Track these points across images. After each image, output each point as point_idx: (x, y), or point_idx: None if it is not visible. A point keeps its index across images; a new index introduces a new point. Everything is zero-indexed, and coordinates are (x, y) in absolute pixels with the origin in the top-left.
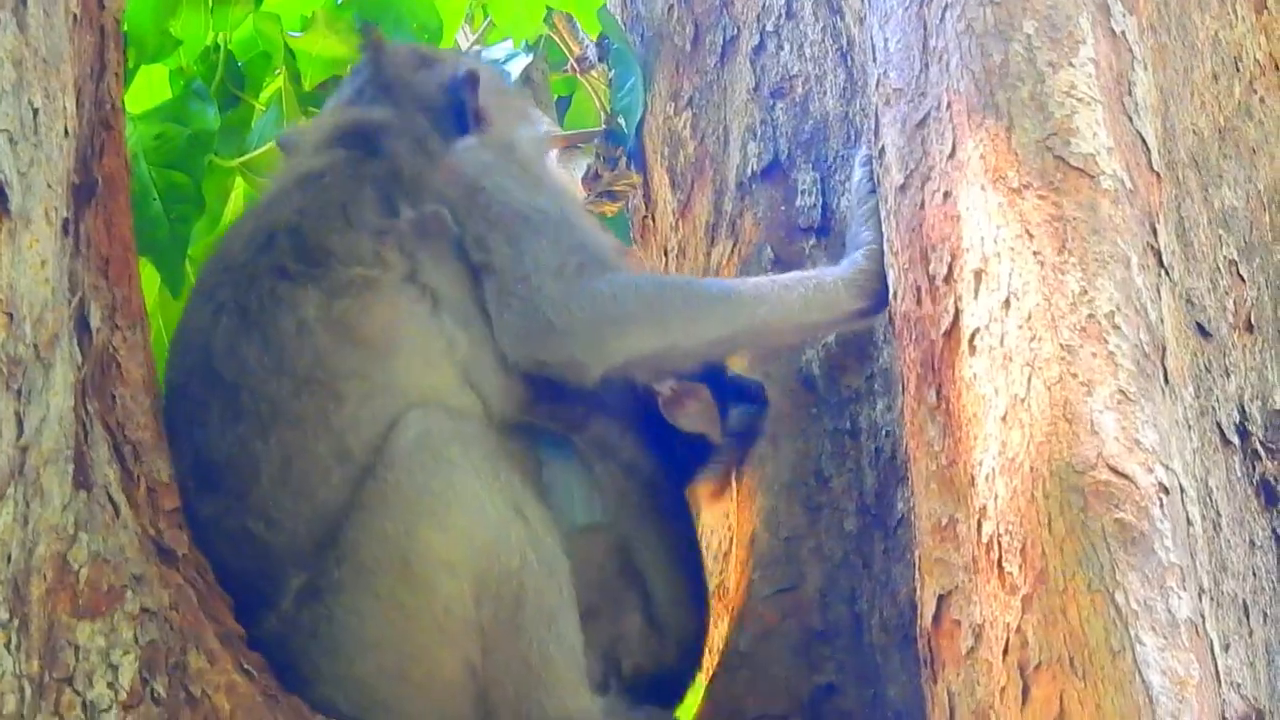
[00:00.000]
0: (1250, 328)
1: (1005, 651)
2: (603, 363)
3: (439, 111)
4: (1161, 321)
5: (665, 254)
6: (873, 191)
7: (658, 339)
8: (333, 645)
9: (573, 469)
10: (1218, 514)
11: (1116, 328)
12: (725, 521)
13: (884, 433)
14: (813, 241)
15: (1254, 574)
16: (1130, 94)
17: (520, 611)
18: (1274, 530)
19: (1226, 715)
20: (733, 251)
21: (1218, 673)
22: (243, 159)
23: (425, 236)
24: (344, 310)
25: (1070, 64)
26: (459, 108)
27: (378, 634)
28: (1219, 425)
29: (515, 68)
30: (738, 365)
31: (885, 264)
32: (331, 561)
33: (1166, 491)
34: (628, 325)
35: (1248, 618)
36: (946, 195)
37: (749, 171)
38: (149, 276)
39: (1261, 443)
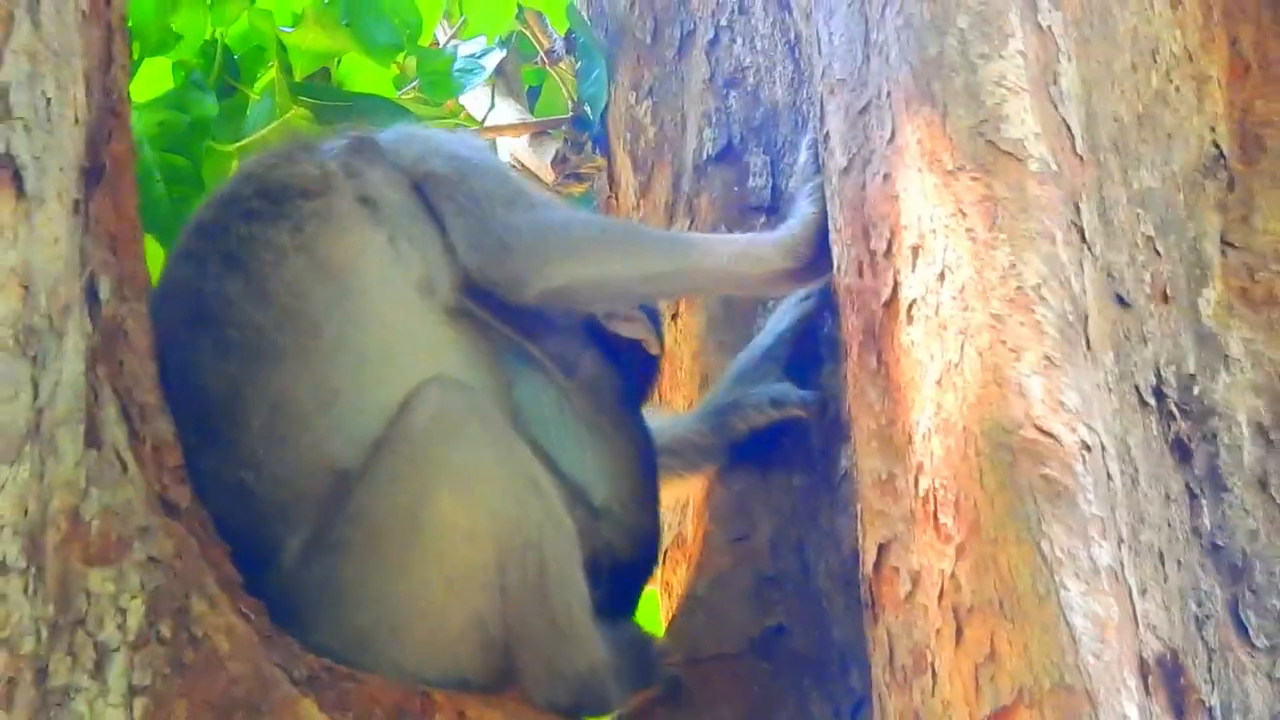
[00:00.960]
0: (1166, 299)
1: (940, 596)
2: (542, 281)
3: None
4: (1084, 293)
5: None
6: (817, 172)
7: (597, 266)
8: (334, 602)
9: (543, 390)
10: (1136, 470)
11: (1043, 299)
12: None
13: (829, 395)
14: (763, 220)
15: (1169, 525)
16: (1056, 84)
17: (544, 578)
18: (1187, 485)
19: (1144, 655)
20: (690, 229)
21: (1136, 616)
22: (239, 144)
23: (360, 152)
24: (311, 238)
25: (1000, 56)
26: None
27: (385, 593)
28: (1137, 388)
29: (490, 62)
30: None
31: (827, 236)
32: (339, 524)
33: (1089, 449)
34: (571, 249)
35: (1163, 565)
36: (886, 177)
37: (704, 155)
38: (152, 252)
39: (1176, 404)
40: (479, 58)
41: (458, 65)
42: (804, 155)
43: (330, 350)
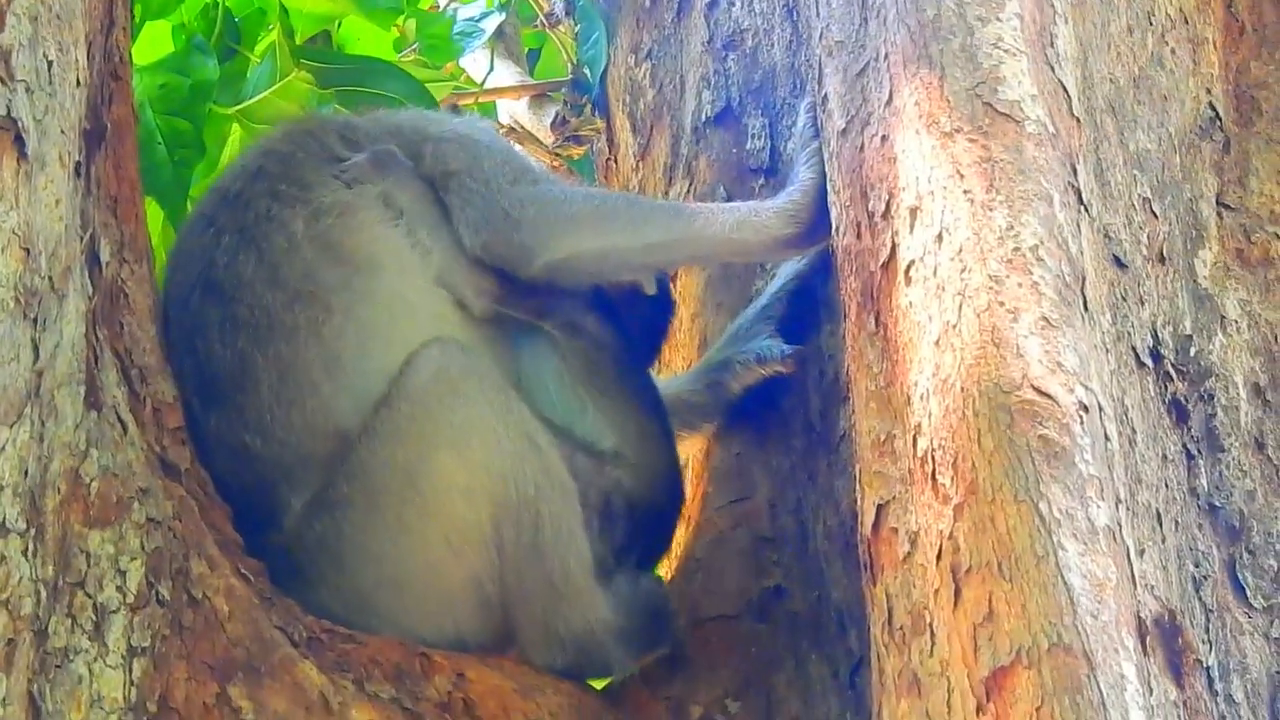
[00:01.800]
0: (1162, 260)
1: (939, 557)
2: (547, 253)
3: None
4: (1081, 254)
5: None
6: (815, 136)
7: (600, 238)
8: (335, 561)
9: (544, 353)
10: (1133, 430)
11: (1040, 260)
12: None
13: (827, 356)
14: (761, 181)
15: (1166, 485)
16: (1052, 45)
17: (539, 535)
18: (1184, 445)
19: (1141, 615)
20: (688, 191)
21: (1133, 576)
22: (239, 107)
23: (383, 166)
24: (327, 228)
25: (997, 18)
26: None
27: (385, 551)
28: (1134, 349)
29: (489, 25)
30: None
31: (828, 201)
32: (340, 482)
33: (1086, 410)
34: (574, 222)
35: (1160, 526)
36: (884, 139)
37: (703, 117)
38: (153, 214)
39: (1173, 365)
40: (478, 21)
41: (457, 28)
42: (802, 119)
43: (339, 325)
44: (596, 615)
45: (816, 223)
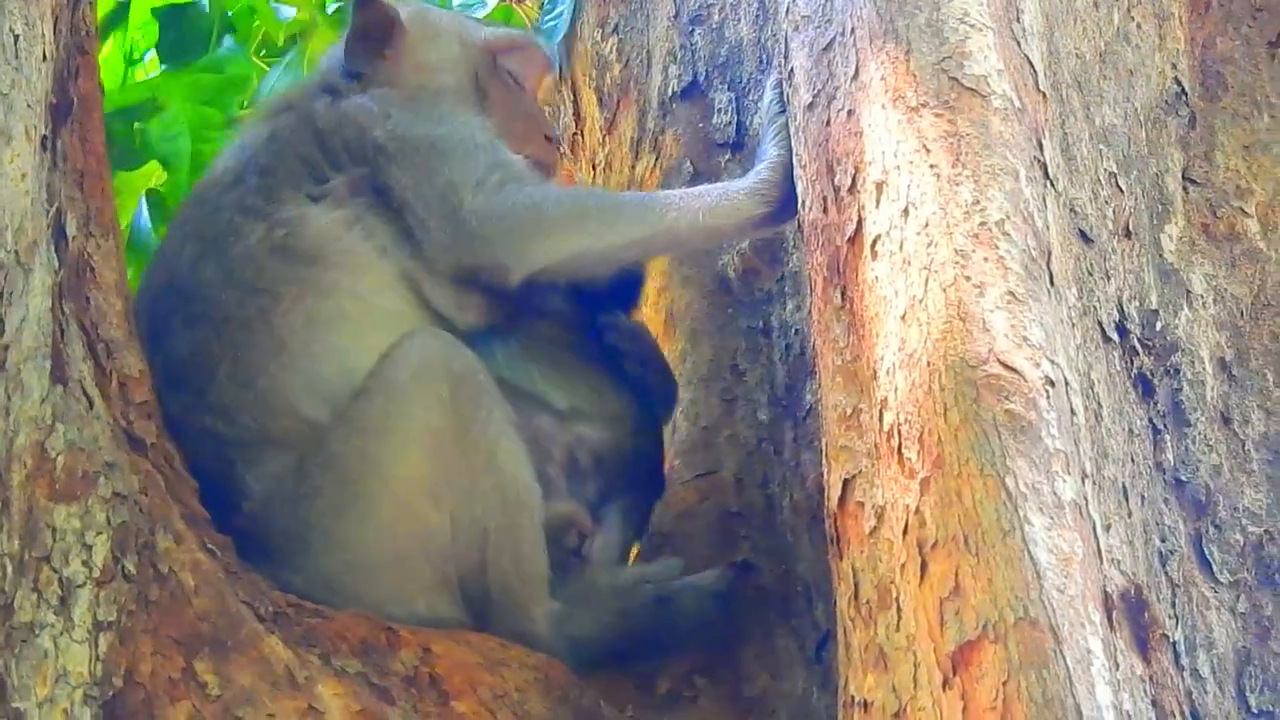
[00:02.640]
0: (1128, 234)
1: (905, 531)
2: (524, 266)
3: (350, 41)
4: (1047, 229)
5: (593, 168)
6: (781, 112)
7: (576, 242)
8: (301, 545)
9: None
10: (1099, 405)
11: (1006, 235)
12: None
13: (794, 331)
14: (728, 156)
15: (1132, 460)
16: (1019, 20)
17: (485, 551)
18: (1150, 420)
19: (1107, 589)
20: (655, 165)
21: (1099, 550)
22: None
23: (358, 194)
24: (283, 236)
25: None
26: (360, 29)
27: (355, 538)
28: (1100, 324)
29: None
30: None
31: (794, 176)
32: (312, 469)
33: (1052, 384)
34: (548, 229)
35: (1127, 500)
36: (850, 113)
37: (670, 92)
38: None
39: (1139, 340)
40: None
41: (457, 4)
42: (768, 95)
43: (285, 313)
44: (541, 612)
45: (787, 199)
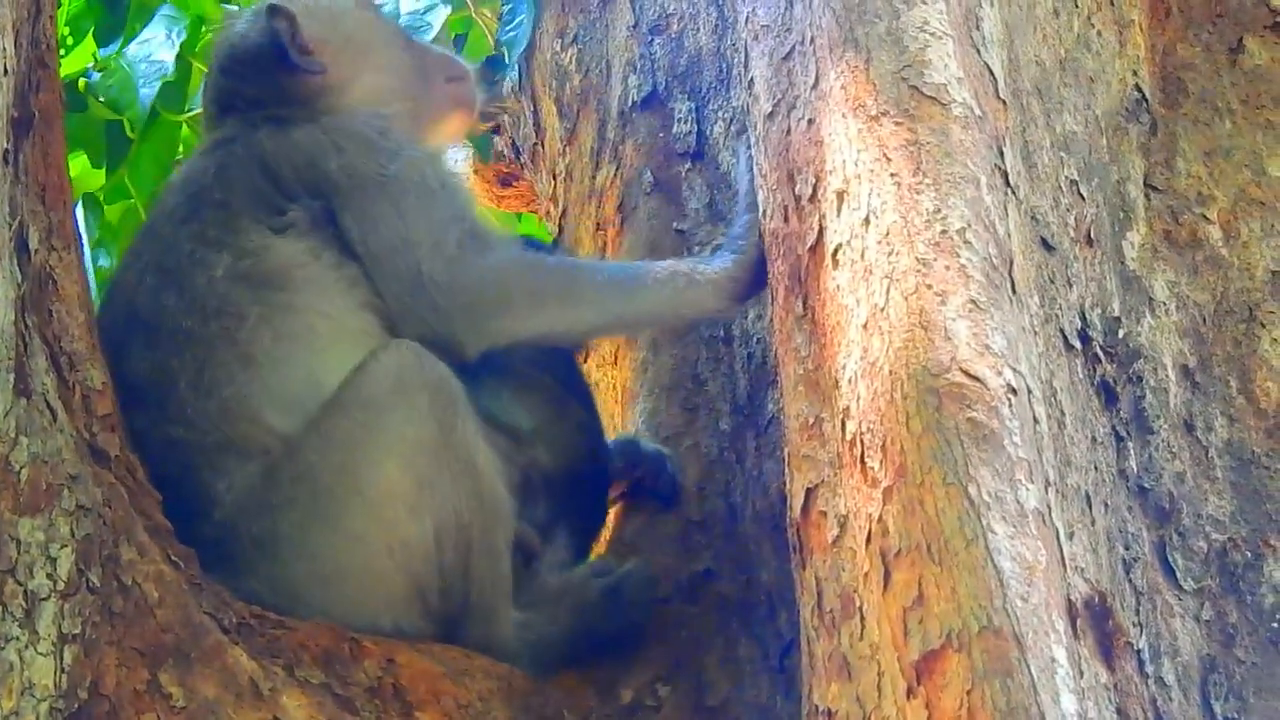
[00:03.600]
0: (1090, 242)
1: (868, 540)
2: (482, 342)
3: (268, 65)
4: (1009, 237)
5: (554, 177)
6: (753, 204)
7: (536, 324)
8: (272, 556)
9: None
10: (1062, 413)
11: (967, 243)
12: (610, 423)
13: (755, 340)
14: (689, 165)
15: (1095, 468)
16: (978, 29)
17: (470, 558)
18: (1113, 428)
19: (1071, 598)
20: (615, 175)
21: (1063, 558)
22: (190, 114)
23: (319, 226)
24: (247, 267)
25: (923, 2)
26: (280, 52)
27: (327, 551)
28: (1062, 331)
29: (436, 18)
30: None
31: (764, 268)
32: (284, 479)
33: (1015, 392)
34: (508, 311)
35: (1090, 508)
36: (811, 122)
37: (630, 102)
38: None
39: (1101, 347)
40: (424, 14)
41: (404, 22)
42: (742, 181)
43: (252, 330)
44: (506, 618)
45: (749, 292)
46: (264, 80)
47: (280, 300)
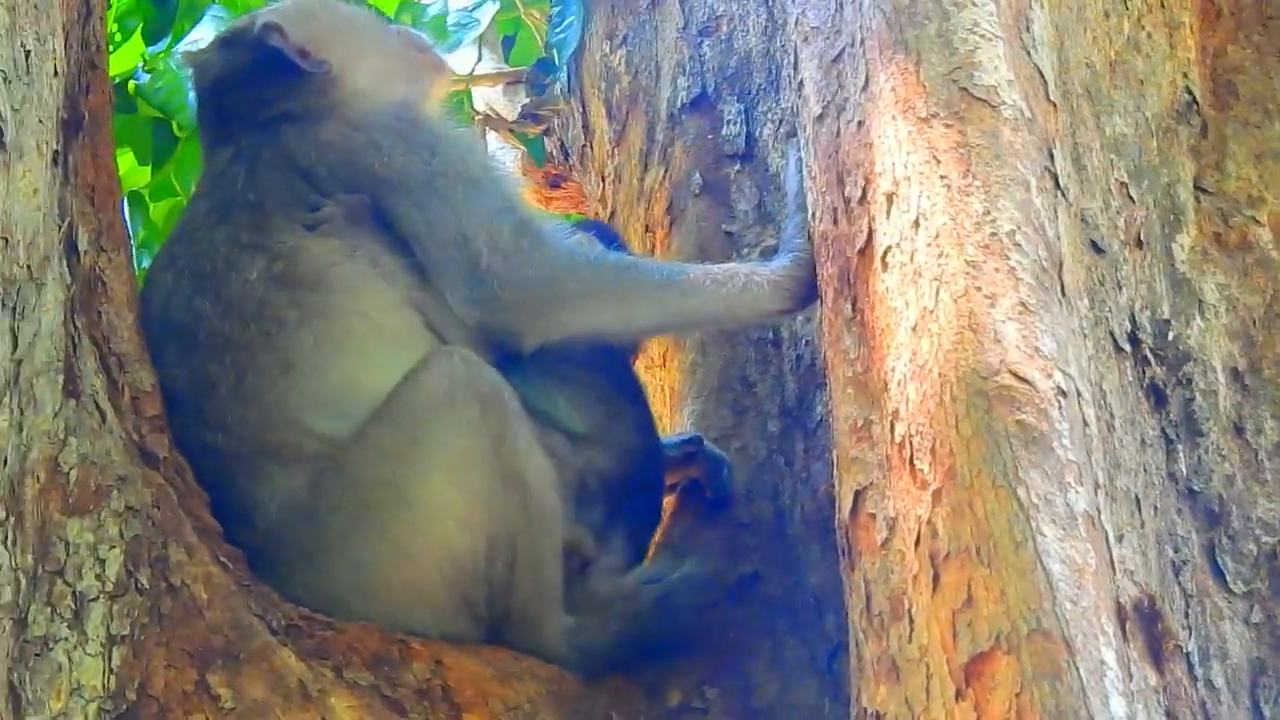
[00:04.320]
0: (1140, 244)
1: (917, 542)
2: (539, 337)
3: (269, 76)
4: (1059, 239)
5: (603, 179)
6: (803, 205)
7: (593, 320)
8: (317, 566)
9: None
10: (1111, 415)
11: (1017, 245)
12: (658, 425)
13: (804, 342)
14: (738, 167)
15: (1145, 470)
16: (1029, 30)
17: (515, 570)
18: (1163, 430)
19: (1120, 601)
20: (664, 177)
21: (1112, 561)
22: None
23: (355, 223)
24: (281, 269)
25: (973, 4)
26: (279, 61)
27: (374, 561)
28: (1112, 334)
29: (484, 15)
30: None
31: (816, 269)
32: (332, 488)
33: (1064, 395)
34: (566, 306)
35: (1139, 511)
36: (860, 124)
37: (679, 103)
38: None
39: (1151, 350)
40: (473, 10)
41: (452, 19)
42: (791, 167)
43: (292, 334)
44: (554, 631)
45: (808, 293)
46: (269, 90)
47: (317, 302)
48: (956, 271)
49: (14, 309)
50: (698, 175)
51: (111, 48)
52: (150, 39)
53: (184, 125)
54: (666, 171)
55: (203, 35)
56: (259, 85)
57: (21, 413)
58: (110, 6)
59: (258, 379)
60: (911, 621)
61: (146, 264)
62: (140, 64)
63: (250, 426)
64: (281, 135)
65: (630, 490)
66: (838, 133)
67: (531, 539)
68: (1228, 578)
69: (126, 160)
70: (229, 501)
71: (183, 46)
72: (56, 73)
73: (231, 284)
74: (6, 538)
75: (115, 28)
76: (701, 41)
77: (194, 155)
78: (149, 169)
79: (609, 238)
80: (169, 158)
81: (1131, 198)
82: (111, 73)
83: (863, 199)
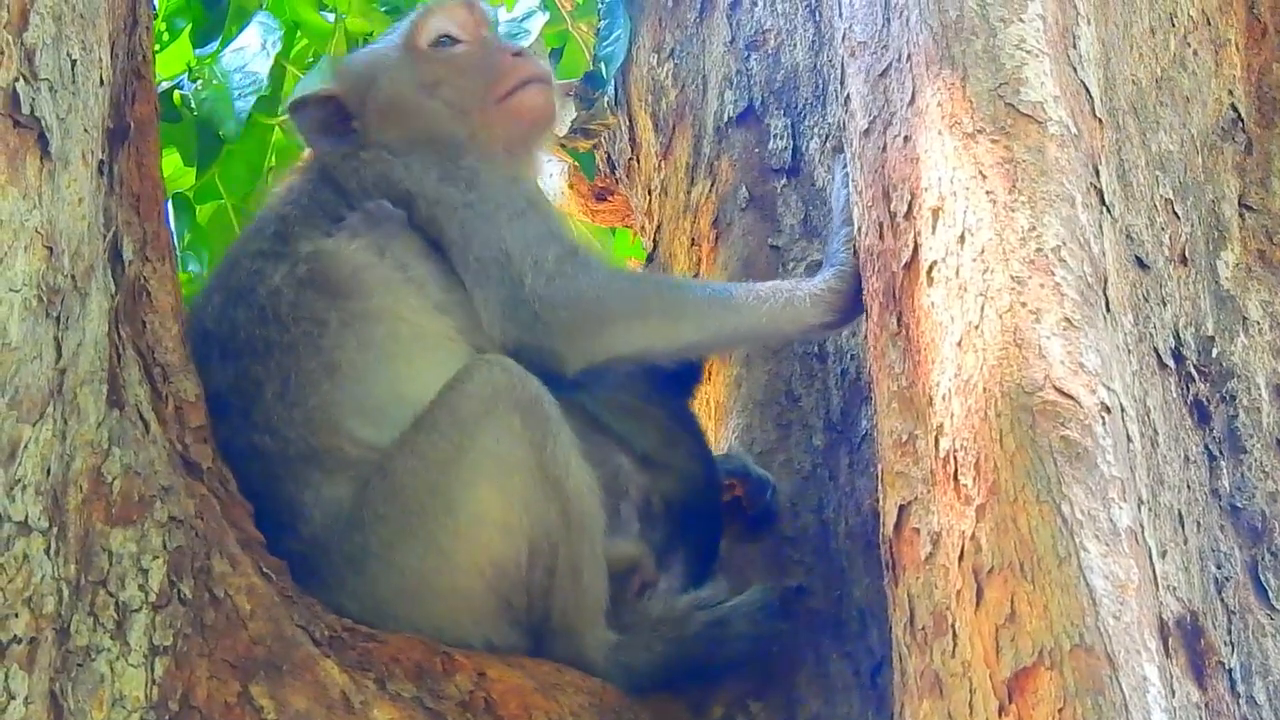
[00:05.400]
0: (1185, 261)
1: (961, 557)
2: (583, 359)
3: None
4: (1103, 255)
5: (649, 193)
6: (848, 220)
7: (638, 340)
8: (362, 574)
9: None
10: (1155, 431)
11: (1062, 261)
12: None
13: (849, 356)
14: (784, 181)
15: (1188, 487)
16: (1075, 47)
17: (554, 576)
18: (1206, 446)
19: (1163, 616)
20: (710, 190)
21: (1155, 577)
22: (282, 117)
23: (376, 225)
24: (306, 271)
25: (1020, 19)
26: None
27: (417, 569)
28: (1156, 350)
29: (534, 26)
30: None
31: (861, 284)
32: (375, 497)
33: (1108, 411)
34: (610, 326)
35: (1183, 527)
36: (907, 139)
37: (725, 117)
38: None
39: (1195, 366)
40: (523, 21)
41: (503, 30)
42: (837, 181)
43: (335, 337)
44: (596, 640)
45: (852, 307)
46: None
47: (355, 307)
48: (1002, 287)
49: (58, 318)
50: (744, 189)
51: (159, 47)
52: (199, 41)
53: (228, 136)
54: (713, 185)
55: (249, 41)
56: (313, 137)
57: (65, 422)
58: (158, 7)
59: (302, 382)
60: (955, 636)
61: (192, 268)
62: (186, 72)
63: (294, 428)
64: (331, 159)
65: (691, 515)
66: (884, 147)
67: (571, 546)
68: (1270, 594)
69: (172, 162)
70: (273, 509)
71: (228, 52)
72: (102, 82)
73: (259, 292)
74: (49, 547)
75: (163, 26)
76: (749, 55)
77: (241, 160)
78: (193, 170)
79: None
80: (214, 160)
81: (1176, 214)
82: (159, 75)
83: (908, 214)
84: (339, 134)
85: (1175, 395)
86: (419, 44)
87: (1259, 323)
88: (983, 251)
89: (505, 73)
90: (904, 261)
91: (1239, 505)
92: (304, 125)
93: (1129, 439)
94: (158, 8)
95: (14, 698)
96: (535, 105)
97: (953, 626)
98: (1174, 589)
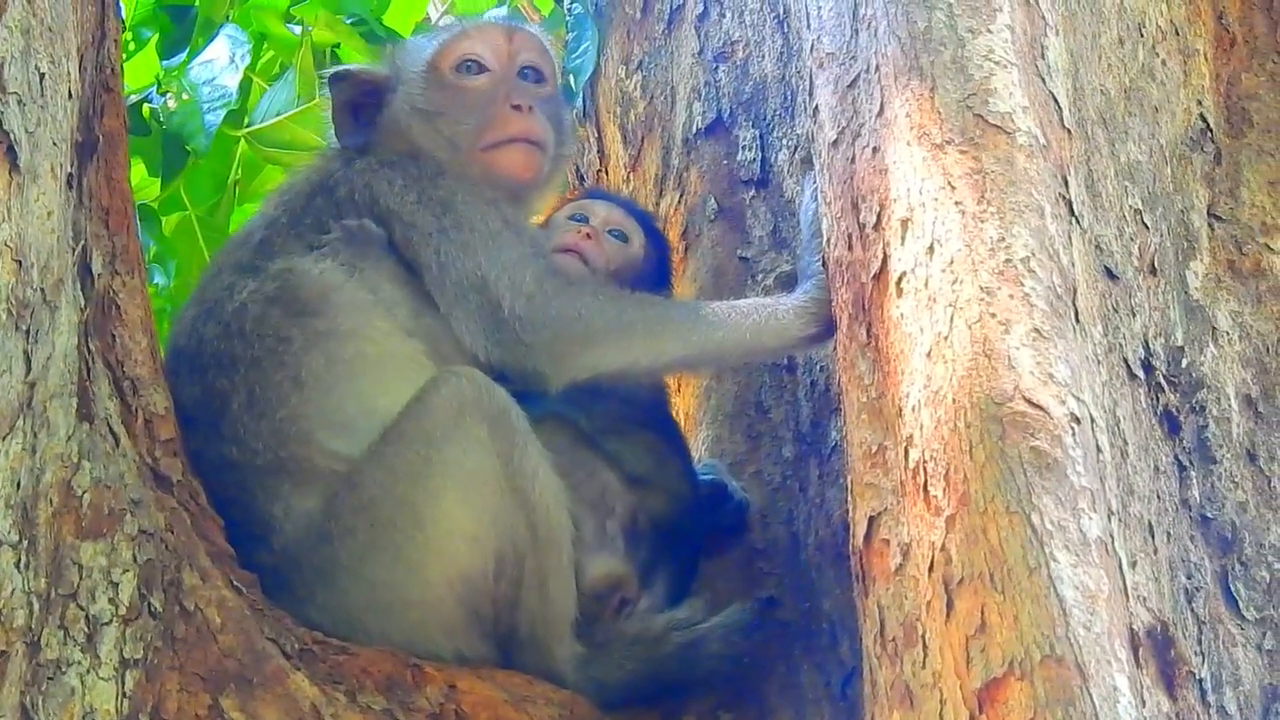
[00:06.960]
0: (1154, 271)
1: (931, 568)
2: (566, 376)
3: (335, 116)
4: (1073, 266)
5: None
6: (817, 233)
7: (621, 358)
8: (332, 585)
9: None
10: (1125, 442)
11: (1031, 272)
12: None
13: (819, 368)
14: (753, 193)
15: (1158, 497)
16: (1043, 57)
17: (520, 588)
18: (1176, 457)
19: (1134, 626)
20: (679, 202)
21: (1126, 588)
22: (249, 130)
23: (354, 243)
24: (275, 289)
25: (988, 30)
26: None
27: (386, 580)
28: (1125, 361)
29: None
30: None
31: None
32: (345, 510)
33: (1078, 421)
34: (593, 344)
35: (1153, 537)
36: (875, 150)
37: (694, 129)
38: None
39: (1164, 377)
40: None
41: None
42: (806, 194)
43: (298, 353)
44: (562, 654)
45: (832, 318)
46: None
47: (321, 326)
48: (971, 298)
49: (27, 332)
50: (713, 200)
51: (125, 56)
52: (166, 52)
53: (198, 150)
54: (682, 197)
55: (217, 54)
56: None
57: (35, 436)
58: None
59: (271, 394)
60: (925, 647)
61: (158, 280)
62: (155, 84)
63: (264, 440)
64: (330, 165)
65: (674, 535)
66: (853, 158)
67: (538, 557)
68: (1240, 604)
69: (137, 173)
70: (244, 521)
71: (196, 64)
72: (71, 95)
73: (228, 306)
74: (20, 561)
75: (129, 36)
76: (717, 67)
77: (206, 172)
78: (159, 182)
79: (660, 244)
80: (180, 172)
81: (1145, 225)
82: (127, 86)
83: (877, 224)
84: (359, 123)
85: (1145, 406)
86: (441, 65)
87: (1228, 333)
88: (952, 262)
89: (496, 123)
90: (873, 272)
91: (1209, 515)
92: (336, 99)
93: (1099, 449)
94: (124, 23)
95: None
96: (513, 164)
97: (923, 637)
98: (1144, 599)
